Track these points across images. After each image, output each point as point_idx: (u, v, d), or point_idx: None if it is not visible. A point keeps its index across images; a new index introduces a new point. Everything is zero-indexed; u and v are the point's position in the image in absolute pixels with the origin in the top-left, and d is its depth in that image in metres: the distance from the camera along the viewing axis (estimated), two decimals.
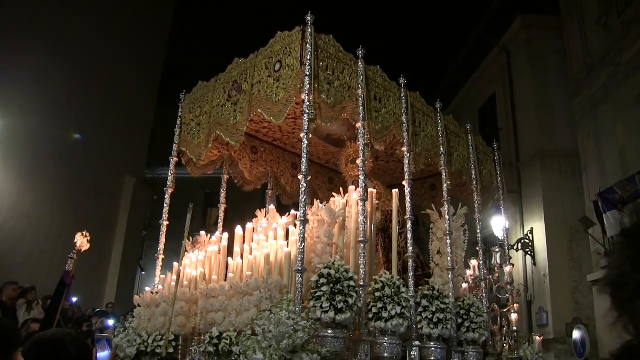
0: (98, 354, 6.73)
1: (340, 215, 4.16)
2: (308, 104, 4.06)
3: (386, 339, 4.11)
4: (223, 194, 6.38)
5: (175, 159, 5.80)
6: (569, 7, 12.40)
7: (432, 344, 4.68)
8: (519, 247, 12.27)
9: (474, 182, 6.20)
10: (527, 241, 12.38)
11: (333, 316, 3.58)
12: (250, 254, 4.55)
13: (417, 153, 5.42)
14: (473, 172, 6.24)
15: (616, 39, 10.66)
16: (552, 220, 11.94)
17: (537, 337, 6.94)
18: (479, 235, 6.25)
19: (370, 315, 4.13)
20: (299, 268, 3.71)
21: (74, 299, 11.32)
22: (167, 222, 5.70)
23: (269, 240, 4.53)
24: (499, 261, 6.82)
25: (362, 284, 4.10)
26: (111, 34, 14.60)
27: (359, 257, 4.18)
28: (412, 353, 4.43)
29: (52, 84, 12.49)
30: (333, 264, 3.73)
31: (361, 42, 4.83)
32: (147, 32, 16.60)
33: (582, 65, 11.76)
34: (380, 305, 4.07)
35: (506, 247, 7.21)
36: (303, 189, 3.89)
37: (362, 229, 4.17)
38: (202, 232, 5.94)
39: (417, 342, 4.53)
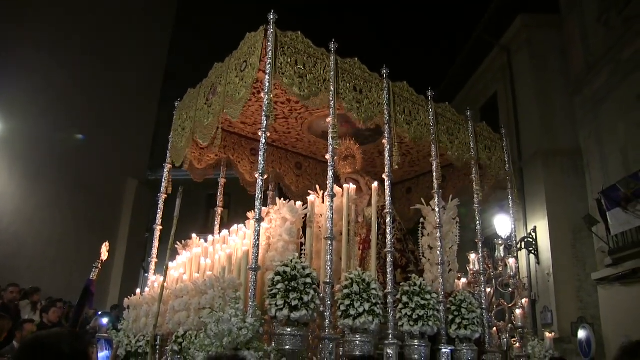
0: (98, 354, 6.77)
1: (304, 213, 4.12)
2: (267, 102, 4.04)
3: (357, 336, 4.03)
4: (220, 197, 6.50)
5: (170, 165, 5.94)
6: (569, 6, 12.27)
7: (415, 342, 4.56)
8: (522, 246, 12.13)
9: (474, 171, 6.01)
10: (531, 240, 12.24)
11: (287, 314, 3.54)
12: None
13: (410, 140, 5.38)
14: (474, 159, 6.05)
15: (617, 36, 10.53)
16: (555, 219, 11.79)
17: (548, 334, 6.71)
18: (477, 225, 5.95)
19: (339, 313, 4.07)
20: (252, 266, 3.67)
21: None
22: (161, 227, 5.91)
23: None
24: (502, 254, 6.53)
25: (328, 281, 4.05)
26: (112, 37, 14.72)
27: (326, 253, 4.10)
28: (389, 351, 4.26)
29: (54, 87, 12.62)
30: (291, 261, 3.70)
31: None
32: (149, 34, 16.68)
33: (582, 63, 11.62)
34: (347, 302, 4.00)
35: (513, 241, 6.92)
36: (258, 187, 3.87)
37: (329, 225, 4.11)
38: (194, 235, 5.99)
39: (394, 340, 4.36)
